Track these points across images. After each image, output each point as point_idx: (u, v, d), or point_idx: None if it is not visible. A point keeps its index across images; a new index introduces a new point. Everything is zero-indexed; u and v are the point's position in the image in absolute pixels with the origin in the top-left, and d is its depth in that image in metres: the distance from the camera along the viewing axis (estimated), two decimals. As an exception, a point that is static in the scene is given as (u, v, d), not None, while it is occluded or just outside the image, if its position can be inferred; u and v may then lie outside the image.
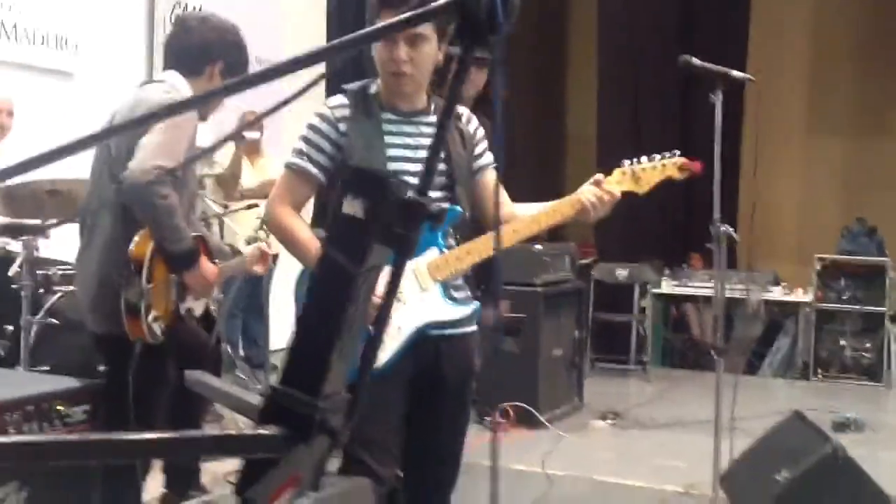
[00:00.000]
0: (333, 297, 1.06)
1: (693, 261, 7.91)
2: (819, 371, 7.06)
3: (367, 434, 2.04)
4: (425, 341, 2.40)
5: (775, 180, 8.46)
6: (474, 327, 2.52)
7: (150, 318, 2.72)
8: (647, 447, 4.89)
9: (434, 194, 2.41)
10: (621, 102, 8.23)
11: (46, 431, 2.54)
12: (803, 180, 8.82)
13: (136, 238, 2.72)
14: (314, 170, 2.41)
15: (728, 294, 7.32)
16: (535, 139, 9.23)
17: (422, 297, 2.40)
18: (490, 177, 2.57)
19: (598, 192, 2.46)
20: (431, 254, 2.44)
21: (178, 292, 2.88)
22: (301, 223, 2.44)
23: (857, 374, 6.99)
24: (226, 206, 4.90)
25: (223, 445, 1.02)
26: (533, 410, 5.16)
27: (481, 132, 2.58)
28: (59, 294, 3.91)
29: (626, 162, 2.55)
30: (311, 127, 2.43)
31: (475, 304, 2.50)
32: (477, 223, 2.57)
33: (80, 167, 4.37)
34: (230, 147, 5.19)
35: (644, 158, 2.55)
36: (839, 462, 3.44)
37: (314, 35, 7.26)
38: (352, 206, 1.05)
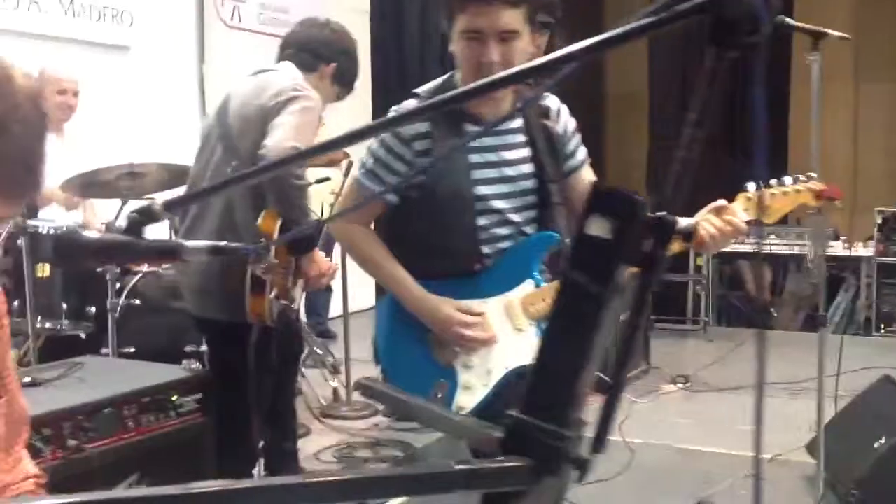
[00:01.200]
0: (579, 322, 1.01)
1: (747, 217, 7.81)
2: (882, 326, 6.97)
3: None
4: (517, 383, 2.17)
5: (824, 131, 8.30)
6: None
7: (273, 295, 2.72)
8: (723, 412, 4.84)
9: (522, 216, 2.23)
10: (671, 58, 8.08)
11: (162, 422, 2.54)
12: (852, 130, 8.66)
13: (262, 214, 2.72)
14: (388, 195, 2.19)
15: (786, 250, 7.29)
16: (574, 100, 9.04)
17: (516, 337, 2.18)
18: (586, 176, 2.32)
19: (719, 223, 2.10)
20: (526, 287, 2.20)
21: (293, 277, 2.87)
22: (375, 244, 2.22)
23: (920, 329, 6.91)
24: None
25: (474, 479, 0.98)
26: (603, 376, 5.11)
27: (573, 125, 2.32)
28: (139, 275, 3.90)
29: (752, 185, 2.18)
30: (382, 142, 2.18)
31: None
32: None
33: (155, 149, 4.38)
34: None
35: (773, 182, 2.23)
36: (939, 428, 3.39)
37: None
38: (598, 227, 0.99)
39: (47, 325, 3.63)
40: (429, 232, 2.17)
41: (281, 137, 2.67)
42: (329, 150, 1.14)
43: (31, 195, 1.25)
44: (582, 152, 2.34)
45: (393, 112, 2.16)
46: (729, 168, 7.72)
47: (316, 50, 3.05)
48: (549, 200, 2.24)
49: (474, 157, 2.18)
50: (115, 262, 1.09)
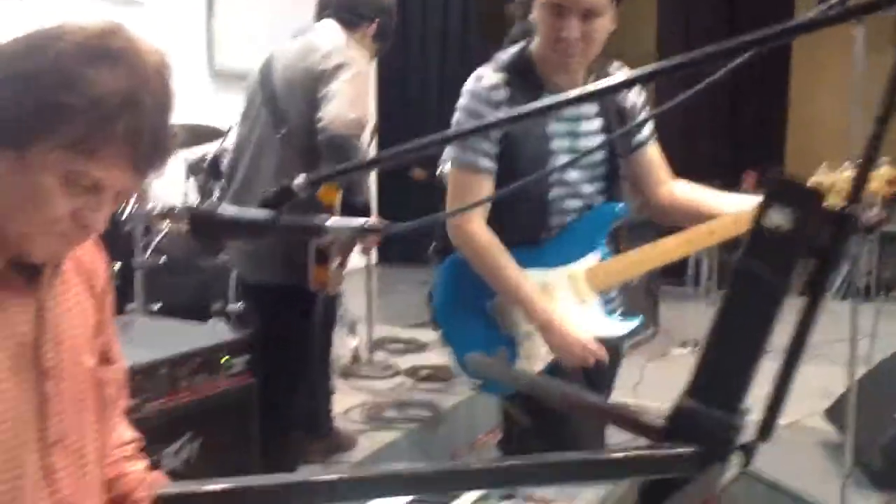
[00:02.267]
0: (754, 313, 1.01)
1: (747, 179, 7.81)
2: (881, 292, 7.03)
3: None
4: None
5: (821, 97, 8.31)
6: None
7: (335, 265, 2.70)
8: (734, 376, 4.88)
9: (592, 187, 2.22)
10: (677, 16, 8.07)
11: (213, 383, 2.54)
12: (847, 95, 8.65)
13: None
14: (489, 163, 2.11)
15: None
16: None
17: (580, 310, 2.18)
18: (652, 152, 2.31)
19: None
20: (591, 259, 2.20)
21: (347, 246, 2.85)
22: (495, 244, 2.12)
23: (921, 295, 6.99)
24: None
25: (644, 465, 0.99)
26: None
27: (642, 99, 2.29)
28: (163, 232, 3.86)
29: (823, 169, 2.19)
30: (470, 112, 2.11)
31: (639, 317, 2.25)
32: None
33: (182, 111, 4.30)
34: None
35: (845, 165, 2.18)
36: (962, 398, 3.44)
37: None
38: (777, 218, 0.99)
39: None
40: (499, 200, 2.14)
41: (342, 109, 2.63)
42: (422, 151, 1.08)
43: (159, 169, 1.23)
44: (648, 128, 2.33)
45: (474, 78, 2.15)
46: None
47: (356, 8, 2.99)
48: (617, 173, 2.23)
49: (553, 129, 2.16)
50: (252, 239, 1.07)
